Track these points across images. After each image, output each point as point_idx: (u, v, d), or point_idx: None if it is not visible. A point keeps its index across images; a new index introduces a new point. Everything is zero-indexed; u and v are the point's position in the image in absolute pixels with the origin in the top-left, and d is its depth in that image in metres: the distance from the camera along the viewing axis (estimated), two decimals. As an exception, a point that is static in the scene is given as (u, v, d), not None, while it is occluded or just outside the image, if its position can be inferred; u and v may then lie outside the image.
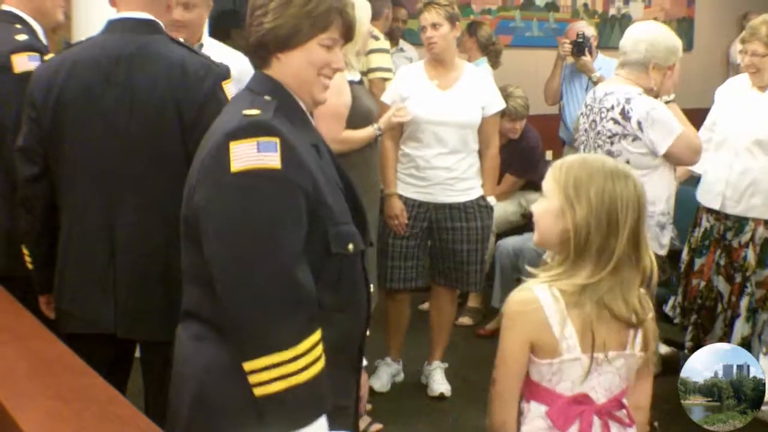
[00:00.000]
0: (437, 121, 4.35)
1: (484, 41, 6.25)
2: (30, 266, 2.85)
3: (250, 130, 1.96)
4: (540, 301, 2.19)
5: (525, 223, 5.80)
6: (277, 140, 1.95)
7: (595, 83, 5.29)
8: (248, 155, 1.93)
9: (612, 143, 3.73)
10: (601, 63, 5.88)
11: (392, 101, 4.39)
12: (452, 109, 4.36)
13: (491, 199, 4.55)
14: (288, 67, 2.11)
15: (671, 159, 3.75)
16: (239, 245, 1.92)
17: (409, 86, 4.41)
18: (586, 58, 5.89)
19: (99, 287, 2.65)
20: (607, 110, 3.75)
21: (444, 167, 4.39)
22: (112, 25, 2.72)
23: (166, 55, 2.64)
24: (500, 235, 5.72)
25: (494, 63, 6.28)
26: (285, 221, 1.95)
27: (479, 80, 4.51)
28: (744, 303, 4.19)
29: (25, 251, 2.85)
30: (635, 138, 3.68)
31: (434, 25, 4.32)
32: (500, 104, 4.55)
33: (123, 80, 2.61)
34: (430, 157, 4.39)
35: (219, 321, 1.98)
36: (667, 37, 3.78)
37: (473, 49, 6.23)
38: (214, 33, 4.25)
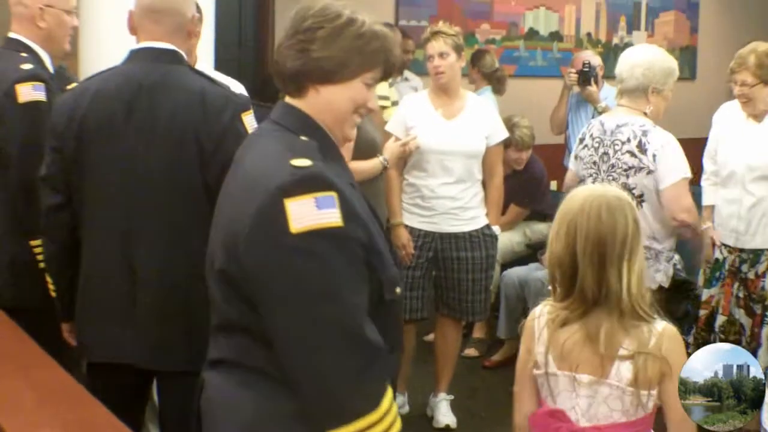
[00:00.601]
0: (443, 151, 4.34)
1: (487, 70, 6.28)
2: (53, 294, 2.83)
3: (306, 184, 1.81)
4: (536, 316, 2.43)
5: (530, 254, 5.76)
6: (334, 195, 1.81)
7: (601, 113, 5.26)
8: (308, 214, 1.78)
9: (628, 176, 3.69)
10: (607, 92, 5.86)
11: (397, 131, 4.39)
12: (458, 138, 4.36)
13: (496, 229, 4.54)
14: (325, 101, 1.97)
15: (663, 199, 3.67)
16: (308, 310, 1.79)
17: (414, 115, 4.41)
18: (592, 87, 5.86)
19: (119, 318, 2.61)
20: (622, 143, 3.70)
21: (449, 197, 4.38)
22: (135, 55, 2.69)
23: (186, 85, 2.62)
24: (505, 266, 5.67)
25: (499, 90, 6.28)
26: (352, 280, 1.83)
27: (483, 110, 4.53)
28: (765, 332, 4.13)
29: (49, 279, 2.82)
30: (650, 171, 3.65)
31: (441, 54, 4.33)
32: (503, 134, 4.56)
33: (144, 109, 2.58)
34: (435, 187, 4.38)
35: (273, 372, 1.86)
36: (662, 59, 3.74)
37: (478, 79, 6.26)
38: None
